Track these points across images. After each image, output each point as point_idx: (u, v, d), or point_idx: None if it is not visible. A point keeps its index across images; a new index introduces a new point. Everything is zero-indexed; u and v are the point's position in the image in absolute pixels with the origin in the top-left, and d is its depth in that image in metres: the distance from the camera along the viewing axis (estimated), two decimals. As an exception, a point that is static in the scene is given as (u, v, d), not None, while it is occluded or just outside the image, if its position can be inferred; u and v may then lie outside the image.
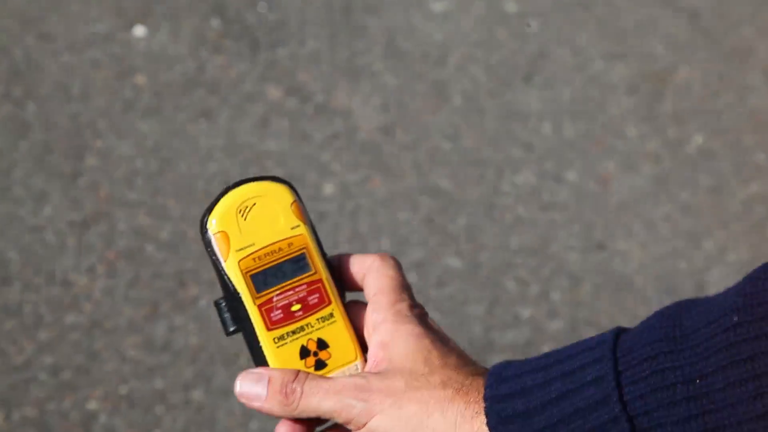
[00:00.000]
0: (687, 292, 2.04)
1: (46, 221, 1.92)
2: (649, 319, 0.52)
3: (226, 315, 0.60)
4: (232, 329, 0.60)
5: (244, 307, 0.59)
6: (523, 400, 0.52)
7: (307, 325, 0.59)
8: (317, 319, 0.60)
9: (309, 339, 0.59)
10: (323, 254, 0.61)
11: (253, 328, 0.59)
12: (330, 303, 0.60)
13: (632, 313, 1.98)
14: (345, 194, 2.06)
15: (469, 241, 2.05)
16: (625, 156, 2.19)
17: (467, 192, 2.11)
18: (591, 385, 0.50)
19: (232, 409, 1.67)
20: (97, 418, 1.60)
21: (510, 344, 1.93)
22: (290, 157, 2.10)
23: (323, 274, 0.60)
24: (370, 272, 0.61)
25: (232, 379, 1.64)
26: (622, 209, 2.16)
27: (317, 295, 0.60)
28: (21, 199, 1.90)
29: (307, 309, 0.59)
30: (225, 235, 0.58)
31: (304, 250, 0.60)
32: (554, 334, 1.94)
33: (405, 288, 0.60)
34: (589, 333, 1.85)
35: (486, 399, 0.53)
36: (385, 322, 0.58)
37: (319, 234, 0.64)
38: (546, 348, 1.80)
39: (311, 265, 0.60)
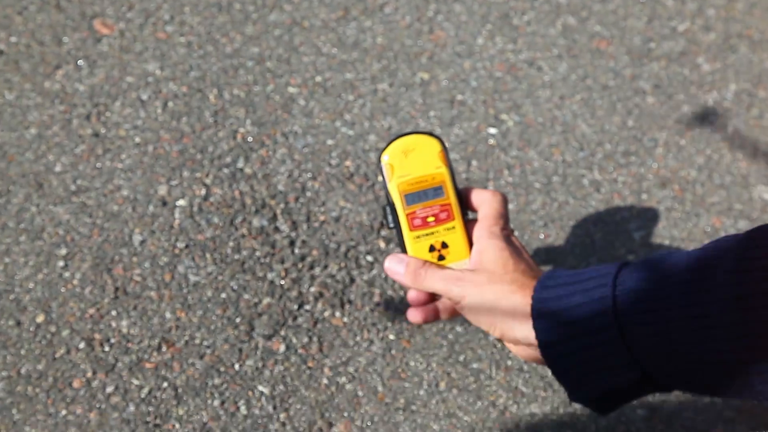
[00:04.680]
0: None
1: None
2: (639, 264, 0.59)
3: (389, 216, 0.69)
4: (391, 225, 0.70)
5: (397, 213, 0.69)
6: (555, 303, 0.61)
7: (436, 231, 0.69)
8: (444, 229, 0.69)
9: (436, 240, 0.69)
10: (456, 187, 0.70)
11: (401, 228, 0.69)
12: (454, 219, 0.69)
13: (782, 32, 1.59)
14: None
15: (630, -37, 1.65)
16: None
17: None
18: (598, 301, 0.59)
19: (413, 99, 1.47)
20: (295, 101, 1.43)
21: (666, 53, 1.60)
22: None
23: (453, 200, 0.69)
24: (483, 202, 0.70)
25: (415, 74, 1.42)
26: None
27: (446, 213, 0.69)
28: None
29: (438, 221, 0.69)
30: (392, 166, 0.69)
31: (442, 183, 0.69)
32: (708, 46, 1.57)
33: (501, 216, 0.69)
34: (740, 46, 1.50)
35: (533, 299, 0.62)
36: (482, 237, 0.68)
37: None
38: (700, 59, 1.50)
39: (445, 193, 0.69)
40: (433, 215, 0.70)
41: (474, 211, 0.72)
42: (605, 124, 1.46)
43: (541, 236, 1.31)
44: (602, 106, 1.49)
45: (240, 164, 1.34)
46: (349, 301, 1.22)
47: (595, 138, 1.44)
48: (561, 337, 0.61)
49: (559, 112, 1.47)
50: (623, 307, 0.58)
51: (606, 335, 0.59)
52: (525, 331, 0.63)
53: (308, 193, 1.32)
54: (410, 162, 0.69)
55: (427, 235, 0.70)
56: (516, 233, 1.30)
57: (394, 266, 0.70)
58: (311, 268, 1.25)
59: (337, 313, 1.21)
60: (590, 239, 1.32)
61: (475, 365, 1.18)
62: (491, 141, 1.41)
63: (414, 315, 0.74)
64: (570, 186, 1.38)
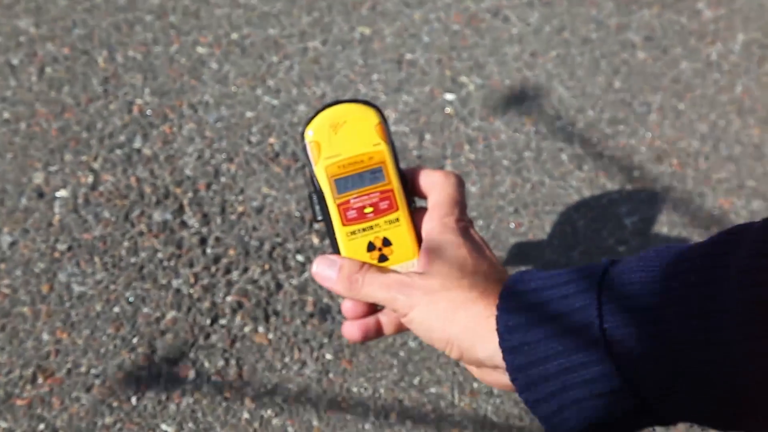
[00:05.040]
0: None
1: None
2: (630, 260, 0.58)
3: (317, 206, 0.67)
4: (319, 218, 0.67)
5: (326, 203, 0.67)
6: (525, 315, 0.59)
7: (375, 225, 0.67)
8: (385, 221, 0.67)
9: (376, 236, 0.67)
10: (398, 169, 0.67)
11: (331, 222, 0.67)
12: (397, 209, 0.67)
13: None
14: None
15: None
16: None
17: None
18: (579, 311, 0.56)
19: (352, 59, 1.45)
20: (206, 64, 1.40)
21: (659, -1, 1.57)
22: None
23: (395, 185, 0.67)
24: (433, 187, 0.68)
25: (353, 29, 1.52)
26: None
27: (388, 201, 0.67)
28: None
29: (378, 212, 0.67)
30: (318, 144, 0.67)
31: (382, 164, 0.67)
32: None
33: (457, 204, 0.67)
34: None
35: (498, 309, 0.60)
36: (433, 231, 0.66)
37: None
38: (700, 4, 1.60)
39: (386, 176, 0.67)
40: (371, 205, 0.68)
41: (422, 197, 0.70)
42: (587, 86, 1.46)
43: (512, 225, 1.29)
44: (583, 63, 1.49)
45: (137, 144, 1.31)
46: (275, 313, 1.19)
47: (574, 103, 1.44)
48: (534, 357, 0.58)
49: (530, 73, 1.47)
50: (611, 318, 0.56)
51: (591, 355, 0.57)
52: (489, 350, 0.60)
53: (223, 179, 1.29)
54: (341, 138, 0.67)
55: (364, 230, 0.68)
56: (480, 222, 1.29)
57: (324, 270, 0.68)
58: (227, 272, 1.22)
59: (261, 328, 1.18)
60: (572, 228, 1.30)
61: (433, 389, 1.16)
62: (448, 109, 1.41)
63: (351, 331, 0.71)
64: (545, 163, 1.36)
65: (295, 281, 1.22)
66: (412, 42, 1.47)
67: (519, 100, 1.43)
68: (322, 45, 1.45)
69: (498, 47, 1.48)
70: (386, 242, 0.67)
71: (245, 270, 1.22)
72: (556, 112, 1.42)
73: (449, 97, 1.42)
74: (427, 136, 1.36)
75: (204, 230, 1.25)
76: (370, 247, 0.67)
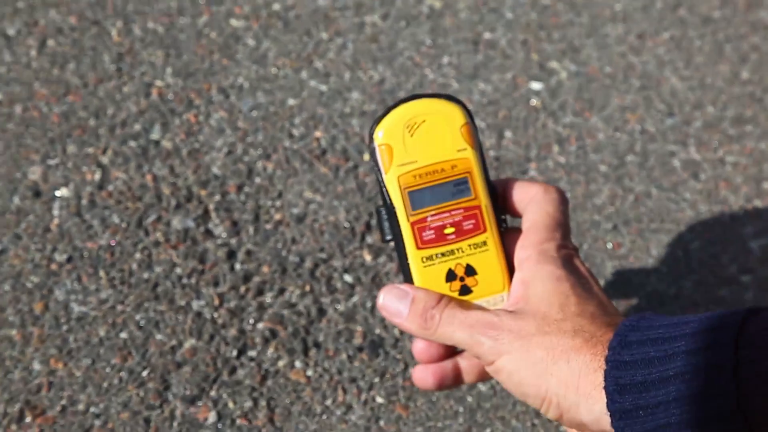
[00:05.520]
0: None
1: None
2: None
3: (385, 224, 0.67)
4: (388, 238, 0.68)
5: (397, 221, 0.67)
6: (642, 371, 0.57)
7: (458, 249, 0.67)
8: (469, 245, 0.67)
9: (458, 263, 0.66)
10: (487, 180, 0.67)
11: (403, 244, 0.67)
12: (485, 231, 0.67)
13: None
14: None
15: None
16: None
17: None
18: (709, 371, 0.55)
19: (418, 38, 1.43)
20: (241, 40, 1.39)
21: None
22: None
23: (483, 201, 0.67)
24: (530, 203, 0.68)
25: (420, 1, 1.40)
26: None
27: (473, 221, 0.67)
28: None
29: (461, 233, 0.66)
30: (389, 148, 0.66)
31: (467, 175, 0.66)
32: None
33: (559, 226, 0.67)
34: None
35: (607, 362, 0.59)
36: (529, 260, 0.66)
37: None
38: None
39: (472, 190, 0.67)
40: (452, 224, 0.67)
41: (516, 216, 0.70)
42: (707, 77, 1.42)
43: (609, 246, 1.26)
44: (702, 48, 1.46)
45: (155, 135, 1.29)
46: (316, 345, 1.17)
47: (691, 97, 1.40)
48: (652, 425, 0.57)
49: (636, 58, 1.44)
50: (752, 384, 0.54)
51: (723, 427, 0.55)
52: (595, 411, 0.60)
53: (257, 179, 1.27)
54: (417, 141, 0.66)
55: (443, 254, 0.67)
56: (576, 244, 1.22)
57: (393, 303, 0.68)
58: (259, 293, 1.19)
59: (298, 363, 1.15)
60: (684, 251, 1.27)
61: (508, 445, 1.17)
62: (534, 101, 1.38)
63: (423, 377, 0.75)
64: (653, 170, 1.33)
65: (341, 307, 1.19)
66: (491, 18, 1.45)
67: (621, 91, 1.40)
68: (381, 20, 1.42)
69: (597, 27, 1.46)
70: (470, 271, 0.67)
71: (281, 291, 1.20)
72: (667, 108, 1.39)
73: (536, 86, 1.39)
74: (508, 134, 1.33)
75: (233, 242, 1.23)
76: (450, 276, 0.67)
